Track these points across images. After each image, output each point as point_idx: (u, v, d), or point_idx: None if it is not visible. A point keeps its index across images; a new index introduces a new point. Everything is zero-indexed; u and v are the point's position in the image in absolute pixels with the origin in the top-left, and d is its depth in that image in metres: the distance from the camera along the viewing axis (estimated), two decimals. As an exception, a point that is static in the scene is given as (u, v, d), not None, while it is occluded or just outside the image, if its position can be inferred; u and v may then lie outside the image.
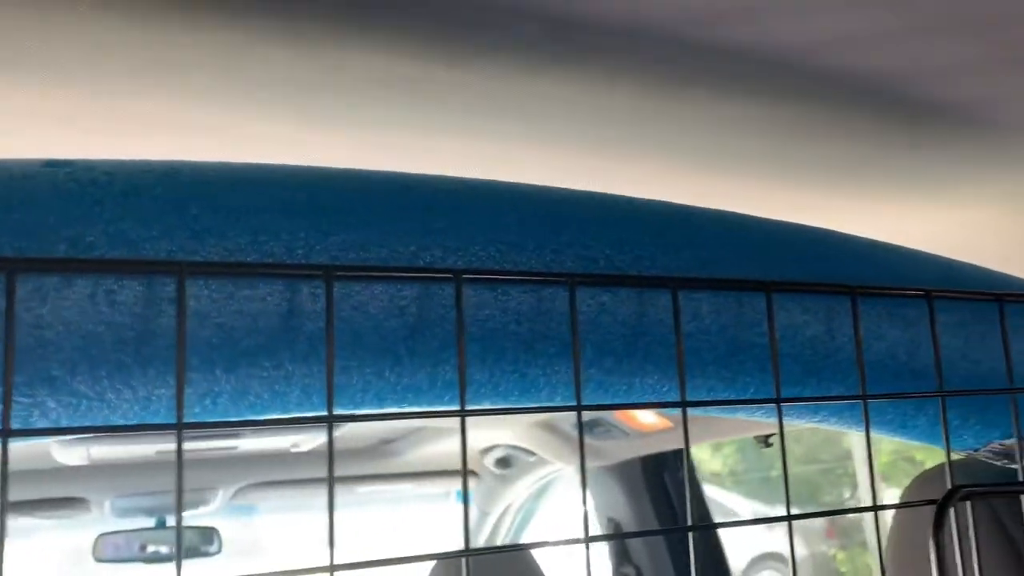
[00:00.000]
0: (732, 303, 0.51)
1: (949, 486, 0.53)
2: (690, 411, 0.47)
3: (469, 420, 0.40)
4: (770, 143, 0.63)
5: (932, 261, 0.61)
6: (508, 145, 0.61)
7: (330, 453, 0.38)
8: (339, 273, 0.40)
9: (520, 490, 2.21)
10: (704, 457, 5.13)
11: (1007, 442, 0.62)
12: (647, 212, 0.54)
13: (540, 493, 2.31)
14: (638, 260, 0.50)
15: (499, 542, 2.13)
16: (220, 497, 2.06)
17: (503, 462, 2.13)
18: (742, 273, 0.52)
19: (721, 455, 5.22)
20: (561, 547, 0.43)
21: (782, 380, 0.52)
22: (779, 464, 0.50)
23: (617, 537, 0.51)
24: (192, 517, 2.07)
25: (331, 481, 0.38)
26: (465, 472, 0.41)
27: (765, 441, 1.48)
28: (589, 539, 0.43)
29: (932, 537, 0.50)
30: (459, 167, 0.53)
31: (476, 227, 0.47)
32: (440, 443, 1.98)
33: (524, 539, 2.06)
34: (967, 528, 0.55)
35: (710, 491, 4.94)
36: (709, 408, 0.55)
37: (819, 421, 0.57)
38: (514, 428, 1.90)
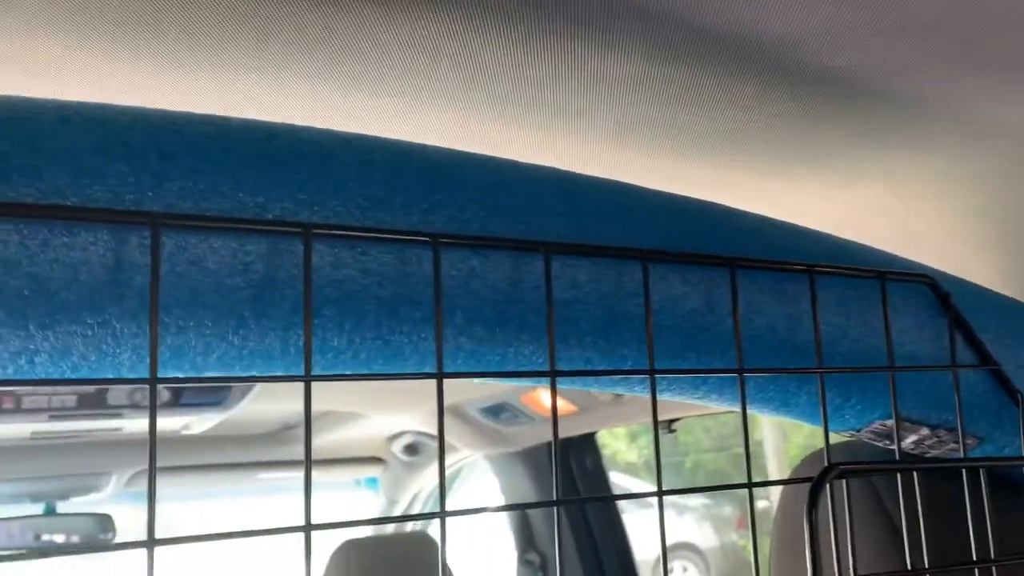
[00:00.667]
0: (611, 272, 0.49)
1: (826, 464, 0.52)
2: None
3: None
4: (654, 109, 0.62)
5: (817, 238, 0.60)
6: (381, 99, 0.58)
7: (152, 419, 0.34)
8: (166, 221, 0.36)
9: (428, 477, 2.18)
10: (620, 447, 5.20)
11: (888, 422, 0.62)
12: (527, 176, 0.52)
13: (450, 480, 2.28)
14: (514, 224, 0.48)
15: (407, 530, 2.10)
16: (114, 482, 1.98)
17: (411, 449, 2.09)
18: (622, 243, 0.50)
19: (636, 446, 5.29)
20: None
21: (661, 353, 0.51)
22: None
23: (473, 512, 0.49)
24: (86, 503, 1.98)
25: (152, 450, 0.34)
26: (308, 442, 0.37)
27: (668, 427, 1.48)
28: (446, 513, 0.41)
29: (806, 515, 0.49)
30: (329, 120, 0.49)
31: (337, 181, 0.44)
32: (346, 430, 1.93)
33: (433, 527, 2.03)
34: (851, 507, 0.55)
35: (626, 481, 5.00)
36: (582, 380, 0.53)
37: (700, 397, 0.56)
38: (421, 414, 1.87)
